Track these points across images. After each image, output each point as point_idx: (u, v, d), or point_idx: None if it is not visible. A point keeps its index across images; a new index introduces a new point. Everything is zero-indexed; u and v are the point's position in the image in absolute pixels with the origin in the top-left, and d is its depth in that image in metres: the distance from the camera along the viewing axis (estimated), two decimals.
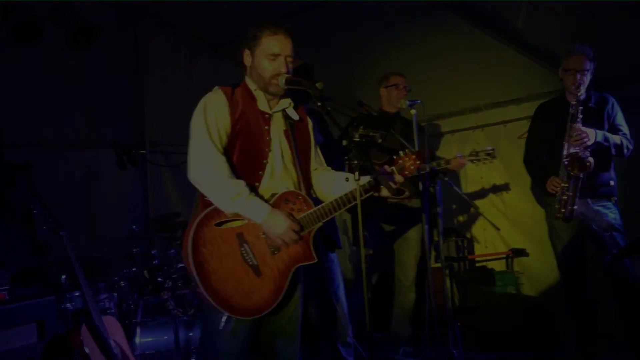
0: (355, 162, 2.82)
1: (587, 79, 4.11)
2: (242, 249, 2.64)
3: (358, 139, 3.63)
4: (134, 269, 4.41)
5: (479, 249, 6.24)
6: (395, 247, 4.69)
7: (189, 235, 2.57)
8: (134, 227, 4.46)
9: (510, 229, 5.90)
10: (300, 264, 2.72)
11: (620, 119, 4.25)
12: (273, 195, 2.72)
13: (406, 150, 2.87)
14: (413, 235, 4.61)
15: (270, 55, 2.74)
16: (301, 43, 5.37)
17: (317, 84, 2.93)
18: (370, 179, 2.81)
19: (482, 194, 6.12)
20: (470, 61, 5.37)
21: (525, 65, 5.17)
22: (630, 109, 4.40)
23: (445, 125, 6.40)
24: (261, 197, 2.68)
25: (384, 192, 2.81)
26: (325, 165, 3.06)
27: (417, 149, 4.05)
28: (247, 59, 2.82)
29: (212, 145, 2.65)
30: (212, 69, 6.08)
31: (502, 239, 5.97)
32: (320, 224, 2.75)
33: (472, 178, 6.13)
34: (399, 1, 4.72)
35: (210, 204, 2.65)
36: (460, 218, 6.38)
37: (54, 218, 3.42)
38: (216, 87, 2.78)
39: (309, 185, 2.91)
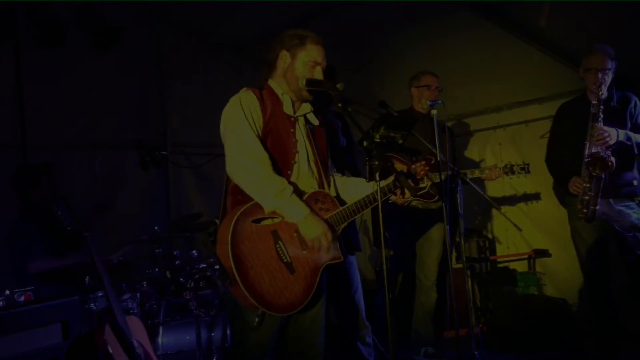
0: (376, 163, 2.84)
1: (608, 78, 4.08)
2: (277, 246, 2.67)
3: (379, 140, 3.62)
4: (156, 269, 4.45)
5: (500, 250, 6.20)
6: (418, 247, 4.70)
7: (227, 231, 2.60)
8: (156, 227, 4.50)
9: (533, 229, 5.86)
10: (329, 262, 2.76)
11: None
12: (302, 194, 2.76)
13: (418, 156, 2.92)
14: (435, 235, 4.61)
15: (312, 62, 2.81)
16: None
17: (337, 85, 2.96)
18: (391, 181, 2.85)
19: (503, 194, 6.08)
20: (492, 60, 5.35)
21: (547, 65, 5.13)
22: None
23: (466, 126, 6.37)
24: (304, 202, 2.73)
25: (407, 195, 2.85)
26: (336, 171, 3.12)
27: (438, 150, 4.05)
28: (284, 60, 2.85)
29: (255, 139, 2.70)
30: (233, 70, 6.10)
31: (524, 240, 5.93)
32: (346, 223, 2.80)
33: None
34: (421, 1, 4.70)
35: (240, 201, 2.70)
36: (482, 218, 6.35)
37: (77, 219, 3.46)
38: (245, 88, 2.82)
39: (328, 188, 2.95)
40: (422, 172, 3.04)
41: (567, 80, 5.01)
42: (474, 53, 5.30)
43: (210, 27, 5.87)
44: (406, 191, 2.90)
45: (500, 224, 6.20)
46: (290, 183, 2.75)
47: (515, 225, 5.69)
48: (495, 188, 6.08)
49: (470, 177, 4.31)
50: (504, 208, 5.96)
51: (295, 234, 2.71)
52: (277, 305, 2.63)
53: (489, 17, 4.81)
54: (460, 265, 5.22)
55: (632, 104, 4.22)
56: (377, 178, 2.97)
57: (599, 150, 3.99)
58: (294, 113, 2.86)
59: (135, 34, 5.60)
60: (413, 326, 4.67)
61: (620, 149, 4.01)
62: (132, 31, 5.48)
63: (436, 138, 4.05)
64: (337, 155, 3.71)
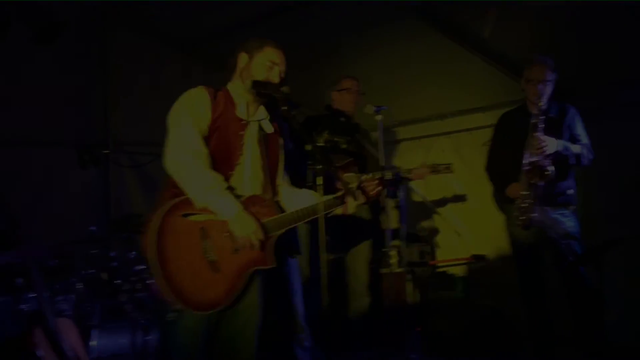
0: (319, 167, 2.84)
1: (548, 89, 4.19)
2: (204, 243, 2.66)
3: (322, 144, 3.63)
4: (92, 270, 4.33)
5: (441, 255, 6.29)
6: (347, 254, 4.67)
7: (154, 223, 2.59)
8: (92, 228, 4.38)
9: (472, 235, 5.97)
10: (257, 267, 2.76)
11: (580, 129, 4.33)
12: (240, 197, 2.76)
13: (373, 173, 2.95)
14: (367, 244, 4.60)
15: (269, 62, 2.87)
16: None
17: (283, 88, 2.96)
18: (338, 195, 2.89)
19: (445, 200, 6.18)
20: (438, 68, 5.42)
21: (491, 74, 5.24)
22: (591, 119, 4.49)
23: (410, 132, 6.44)
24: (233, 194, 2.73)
25: (351, 208, 2.85)
26: (289, 182, 3.12)
27: (381, 156, 4.09)
28: (242, 61, 2.91)
29: (196, 134, 2.72)
30: (181, 69, 6.01)
31: (464, 245, 6.04)
32: (283, 231, 2.80)
33: (436, 184, 6.18)
34: (368, 7, 4.73)
35: (176, 195, 2.69)
36: (424, 223, 6.43)
37: (9, 217, 3.34)
38: (201, 86, 2.85)
39: (274, 195, 2.96)
40: (374, 192, 3.06)
41: (509, 90, 5.11)
42: (419, 60, 5.37)
43: (158, 25, 5.76)
44: (349, 205, 2.90)
45: (441, 229, 6.29)
46: (230, 183, 2.76)
47: (455, 230, 5.79)
48: (436, 193, 6.17)
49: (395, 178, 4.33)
50: (445, 213, 6.06)
51: (226, 233, 2.70)
52: (196, 303, 2.62)
53: (436, 26, 4.87)
54: (401, 270, 5.29)
55: (570, 116, 4.34)
56: (320, 182, 2.98)
57: (538, 159, 4.09)
58: (248, 117, 2.88)
59: (80, 29, 5.45)
60: (349, 330, 4.65)
61: (557, 159, 4.12)
62: (77, 26, 5.33)
63: (379, 142, 4.11)
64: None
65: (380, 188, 3.05)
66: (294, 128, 4.07)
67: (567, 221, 4.25)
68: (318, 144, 3.57)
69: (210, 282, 2.65)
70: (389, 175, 4.14)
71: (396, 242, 4.81)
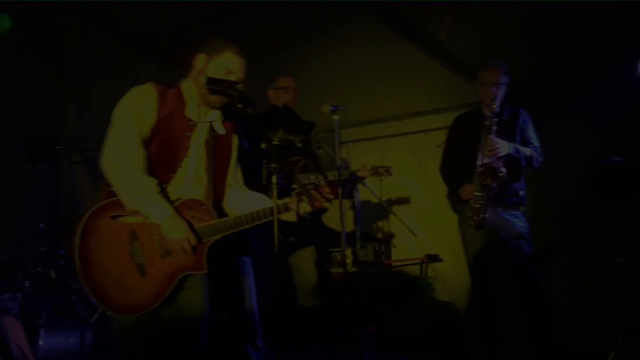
0: (273, 165, 2.83)
1: (501, 92, 4.27)
2: (132, 246, 2.64)
3: (277, 143, 3.62)
4: (39, 268, 4.23)
5: (396, 254, 6.35)
6: (292, 256, 4.63)
7: (80, 223, 2.58)
8: (41, 225, 4.28)
9: (426, 235, 6.04)
10: (189, 273, 2.72)
11: (531, 133, 4.42)
12: (178, 199, 2.73)
13: (331, 173, 2.91)
14: (308, 239, 4.59)
15: (226, 70, 2.80)
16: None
17: (238, 86, 2.93)
18: (287, 202, 2.82)
19: (400, 200, 6.23)
20: (394, 70, 5.46)
21: (447, 77, 5.30)
22: (542, 122, 4.59)
23: (367, 132, 6.48)
24: (171, 203, 2.68)
25: (290, 216, 2.84)
26: (242, 183, 3.06)
27: (337, 155, 4.11)
28: (200, 62, 2.84)
29: (135, 136, 2.66)
30: (134, 65, 5.92)
31: (418, 245, 6.10)
32: (219, 236, 2.75)
33: (392, 184, 6.22)
34: (326, 5, 4.73)
35: (113, 196, 2.65)
36: (379, 223, 6.48)
37: None
38: (149, 82, 2.78)
39: (219, 199, 2.91)
40: (323, 200, 2.94)
41: (464, 92, 5.20)
42: (378, 62, 5.40)
43: (112, 20, 5.66)
44: (302, 209, 2.86)
45: (396, 229, 6.34)
46: (169, 186, 2.72)
47: (410, 230, 5.85)
48: (392, 194, 6.22)
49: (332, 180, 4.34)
50: (400, 214, 6.11)
51: (157, 237, 2.66)
52: (120, 306, 2.62)
53: (393, 28, 4.91)
54: (355, 269, 5.32)
55: (522, 119, 4.43)
56: (275, 180, 2.97)
57: (491, 161, 4.16)
58: (198, 117, 2.83)
59: (32, 24, 5.31)
60: (299, 331, 4.62)
61: (509, 161, 4.20)
62: (29, 21, 5.20)
63: (336, 142, 4.12)
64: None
65: (332, 197, 2.95)
66: (249, 126, 4.08)
67: (518, 222, 4.33)
68: (273, 142, 3.56)
69: (136, 285, 2.62)
70: (345, 174, 4.16)
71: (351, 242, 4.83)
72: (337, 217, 4.15)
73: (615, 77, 4.55)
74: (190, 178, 2.79)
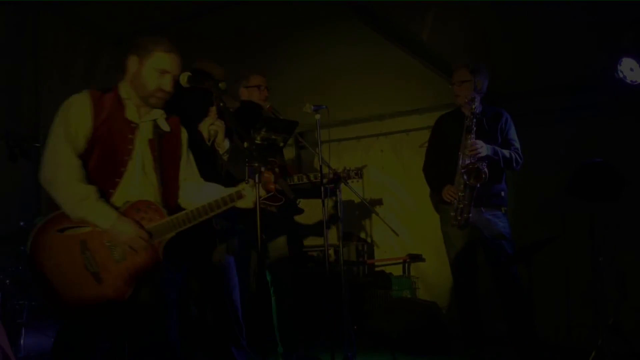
0: (256, 164, 2.82)
1: (468, 90, 4.30)
2: (84, 255, 2.62)
3: (259, 142, 3.61)
4: (20, 267, 4.19)
5: (378, 254, 6.38)
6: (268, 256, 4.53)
7: (27, 242, 2.59)
8: (22, 223, 4.24)
9: (409, 235, 6.07)
10: (146, 272, 2.70)
11: (512, 134, 4.46)
12: (126, 203, 2.71)
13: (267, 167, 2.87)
14: (281, 239, 4.56)
15: (160, 70, 2.76)
16: (205, 44, 5.30)
17: (220, 84, 2.93)
18: (238, 189, 2.82)
19: (383, 200, 6.26)
20: (377, 70, 5.48)
21: (429, 77, 5.33)
22: (523, 124, 4.63)
23: (350, 132, 6.50)
24: (113, 204, 2.67)
25: (246, 203, 2.82)
26: (197, 176, 3.04)
27: (319, 154, 4.11)
28: (132, 65, 2.80)
29: (69, 147, 2.64)
30: (114, 62, 5.86)
31: (400, 245, 6.13)
32: (173, 234, 2.73)
33: (374, 184, 6.27)
34: (308, 5, 4.73)
35: (57, 208, 2.63)
36: (362, 223, 6.50)
37: None
38: (85, 90, 2.75)
39: (172, 196, 2.88)
40: (272, 186, 2.91)
41: (446, 93, 5.22)
42: (359, 61, 5.41)
43: (93, 16, 5.62)
44: (248, 198, 2.83)
45: (379, 229, 6.37)
46: (117, 191, 2.70)
47: (392, 230, 5.87)
48: (374, 193, 6.25)
49: (313, 180, 4.35)
50: (383, 213, 6.13)
51: (108, 243, 2.65)
52: (81, 315, 2.62)
53: (376, 28, 4.92)
54: (337, 269, 5.33)
55: (503, 120, 4.47)
56: (257, 180, 2.97)
57: (474, 161, 4.19)
58: (139, 119, 2.80)
59: (11, 19, 5.25)
60: (279, 332, 4.60)
61: (491, 161, 4.24)
62: (8, 16, 5.14)
63: (318, 141, 4.12)
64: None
65: (274, 184, 2.88)
66: (230, 124, 4.05)
67: (500, 222, 4.37)
68: (255, 141, 3.55)
69: (94, 293, 2.60)
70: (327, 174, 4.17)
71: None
72: (319, 216, 4.16)
73: (597, 78, 4.61)
74: (138, 180, 2.76)
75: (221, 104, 2.95)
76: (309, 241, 5.99)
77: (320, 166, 4.13)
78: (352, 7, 4.68)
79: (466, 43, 4.88)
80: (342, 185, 4.48)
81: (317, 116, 4.14)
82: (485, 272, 4.48)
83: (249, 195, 2.81)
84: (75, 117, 2.66)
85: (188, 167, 2.98)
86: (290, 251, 4.51)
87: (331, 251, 5.57)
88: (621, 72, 4.27)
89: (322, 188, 4.20)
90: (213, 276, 3.73)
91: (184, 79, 3.00)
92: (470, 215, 4.27)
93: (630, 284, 4.31)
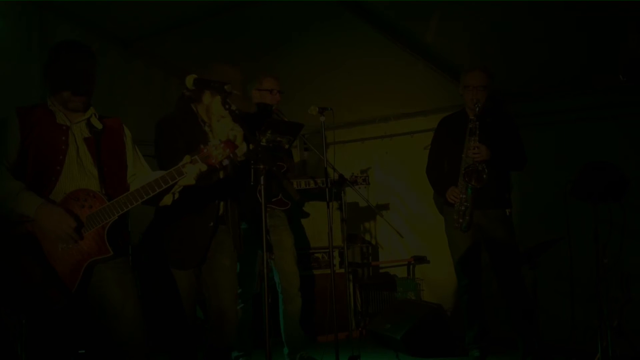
0: (261, 166, 2.83)
1: (485, 94, 4.30)
2: (39, 250, 2.73)
3: (265, 144, 3.62)
4: None
5: (383, 256, 6.38)
6: (275, 256, 4.57)
7: None
8: None
9: (413, 236, 6.07)
10: (94, 258, 2.78)
11: (516, 135, 4.46)
12: (65, 194, 2.81)
13: (217, 140, 2.89)
14: (287, 242, 4.58)
15: (69, 72, 2.87)
16: (207, 46, 5.30)
17: (225, 87, 2.94)
18: (176, 167, 2.85)
19: (387, 201, 6.26)
20: (382, 72, 5.48)
21: (434, 79, 5.33)
22: (527, 125, 4.63)
23: (354, 134, 6.50)
24: (52, 200, 2.77)
25: (187, 180, 2.86)
26: (148, 169, 3.11)
27: (325, 155, 4.13)
28: (45, 77, 2.93)
29: None
30: (122, 64, 5.89)
31: (405, 246, 6.13)
32: (115, 217, 2.79)
33: (379, 186, 6.27)
34: (313, 6, 4.74)
35: None
36: (367, 225, 6.50)
37: None
38: (13, 110, 2.87)
39: (118, 189, 2.93)
40: (220, 156, 2.87)
41: (451, 94, 5.23)
42: (364, 63, 5.42)
43: (99, 19, 5.65)
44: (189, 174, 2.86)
45: (383, 231, 6.37)
46: (55, 188, 2.80)
47: (397, 232, 5.88)
48: (378, 195, 6.25)
49: (321, 185, 4.40)
50: (387, 215, 6.14)
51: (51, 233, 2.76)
52: (34, 307, 2.71)
53: (380, 30, 4.93)
54: (342, 270, 5.35)
55: (507, 121, 4.48)
56: (262, 182, 2.98)
57: (476, 163, 4.20)
58: (70, 122, 2.91)
59: (18, 21, 5.28)
60: (285, 333, 4.60)
61: (494, 163, 4.24)
62: (14, 18, 5.17)
63: (323, 143, 4.14)
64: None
65: (229, 150, 2.84)
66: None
67: (504, 224, 4.37)
68: (261, 143, 3.56)
69: (45, 282, 2.70)
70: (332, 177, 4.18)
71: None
72: (324, 218, 4.18)
73: (596, 79, 4.62)
74: (77, 176, 2.85)
75: (227, 107, 2.96)
76: (314, 243, 6.00)
77: (325, 168, 4.14)
78: (356, 9, 4.70)
79: (471, 44, 4.89)
80: (347, 188, 4.51)
81: (322, 118, 4.15)
82: (489, 274, 4.49)
83: (190, 171, 2.85)
84: (5, 134, 2.81)
85: (137, 164, 3.08)
86: (297, 252, 4.53)
87: (336, 253, 5.58)
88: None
89: (327, 191, 4.22)
90: (212, 275, 3.65)
91: (189, 81, 3.02)
92: (474, 217, 4.28)
93: (634, 285, 4.30)
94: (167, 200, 3.03)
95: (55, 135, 2.87)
